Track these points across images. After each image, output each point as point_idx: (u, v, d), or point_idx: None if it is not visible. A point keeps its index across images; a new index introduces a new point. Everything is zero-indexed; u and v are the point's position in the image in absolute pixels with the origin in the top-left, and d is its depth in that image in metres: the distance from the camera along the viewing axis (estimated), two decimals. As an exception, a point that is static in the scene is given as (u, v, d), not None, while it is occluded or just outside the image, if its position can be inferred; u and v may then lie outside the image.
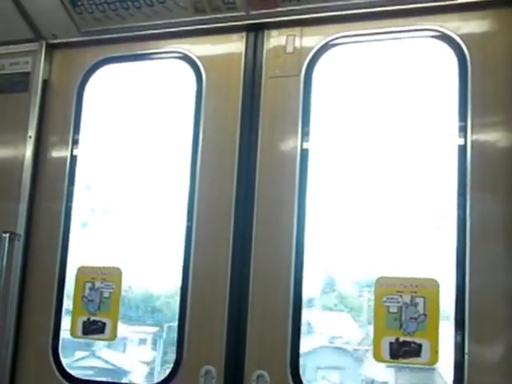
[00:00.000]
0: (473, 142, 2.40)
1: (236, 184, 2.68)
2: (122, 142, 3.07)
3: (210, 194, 2.72)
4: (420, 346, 2.33)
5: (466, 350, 2.28)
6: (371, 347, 2.41)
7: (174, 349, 2.68)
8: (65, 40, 3.05)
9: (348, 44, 2.70)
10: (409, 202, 2.53)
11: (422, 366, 2.38)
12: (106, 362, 3.46)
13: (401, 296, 2.38)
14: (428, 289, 2.35)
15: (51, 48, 3.10)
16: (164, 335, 3.39)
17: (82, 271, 2.89)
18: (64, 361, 2.85)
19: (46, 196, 2.99)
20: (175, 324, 2.72)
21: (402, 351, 2.35)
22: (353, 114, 2.69)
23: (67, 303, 2.89)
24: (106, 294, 2.81)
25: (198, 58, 2.85)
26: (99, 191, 3.08)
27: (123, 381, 3.43)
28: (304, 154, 2.63)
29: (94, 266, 2.90)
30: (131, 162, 3.03)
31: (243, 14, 2.72)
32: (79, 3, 2.84)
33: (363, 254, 2.59)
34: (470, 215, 2.35)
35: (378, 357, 2.39)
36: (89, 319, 2.82)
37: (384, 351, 2.37)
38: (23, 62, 3.08)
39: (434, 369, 2.43)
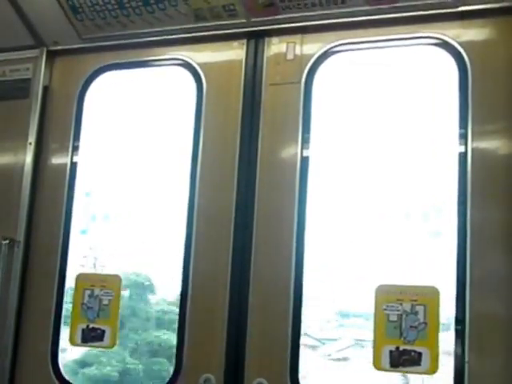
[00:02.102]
0: (473, 150, 2.40)
1: (236, 191, 2.67)
2: (122, 148, 3.06)
3: (210, 201, 2.71)
4: (420, 354, 2.32)
5: (466, 359, 2.27)
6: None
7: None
8: (66, 47, 3.06)
9: (348, 51, 2.70)
10: (409, 209, 2.52)
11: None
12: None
13: (401, 304, 2.37)
14: (428, 297, 2.34)
15: (52, 55, 3.10)
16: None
17: (81, 278, 2.88)
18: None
19: (45, 202, 2.99)
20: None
21: (402, 359, 2.34)
22: (353, 122, 2.69)
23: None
24: (105, 302, 2.80)
25: (199, 64, 2.85)
26: (99, 198, 3.07)
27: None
28: (304, 161, 2.63)
29: (94, 273, 2.89)
30: (131, 168, 3.02)
31: (244, 21, 2.72)
32: (80, 10, 2.85)
33: (363, 262, 2.58)
34: (471, 222, 2.35)
35: (377, 365, 2.38)
36: (88, 326, 2.81)
37: (384, 359, 2.36)
38: (24, 68, 3.08)
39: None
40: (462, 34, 2.51)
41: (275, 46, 2.76)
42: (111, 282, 2.81)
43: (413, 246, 2.49)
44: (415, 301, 2.35)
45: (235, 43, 2.81)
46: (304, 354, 2.56)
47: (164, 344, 3.76)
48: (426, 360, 2.30)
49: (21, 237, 2.92)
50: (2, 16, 2.93)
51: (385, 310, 2.38)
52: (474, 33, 2.51)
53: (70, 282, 2.89)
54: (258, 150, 2.68)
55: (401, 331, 2.35)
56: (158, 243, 2.97)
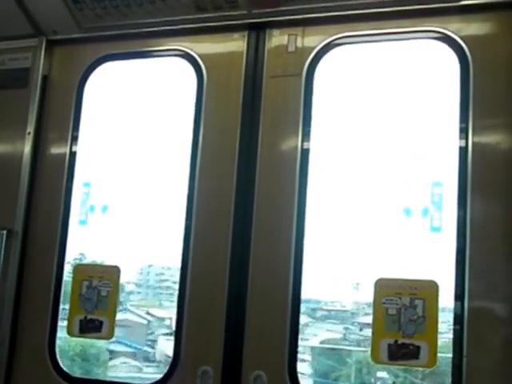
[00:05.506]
0: (474, 144, 2.40)
1: (236, 183, 2.67)
2: (121, 139, 3.05)
3: (209, 192, 2.71)
4: (418, 348, 2.32)
5: (465, 353, 2.27)
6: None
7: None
8: (65, 36, 3.04)
9: (350, 44, 2.69)
10: (409, 203, 2.51)
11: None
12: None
13: (400, 298, 2.37)
14: (427, 291, 2.35)
15: (51, 44, 3.09)
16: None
17: (79, 269, 2.88)
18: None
19: (44, 193, 2.98)
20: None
21: (400, 353, 2.34)
22: (354, 115, 2.68)
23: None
24: (103, 293, 2.79)
25: (200, 56, 2.84)
26: (98, 188, 3.05)
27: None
28: (304, 154, 2.63)
29: (92, 264, 2.89)
30: (131, 159, 3.01)
31: (245, 12, 2.71)
32: (80, -1, 2.84)
33: (363, 255, 2.58)
34: (471, 217, 2.35)
35: (376, 359, 2.38)
36: (86, 317, 2.81)
37: (382, 353, 2.36)
38: (23, 57, 3.06)
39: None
40: (463, 28, 2.50)
41: (276, 38, 2.75)
42: (110, 273, 2.81)
43: (413, 239, 2.48)
44: (414, 295, 2.36)
45: (236, 35, 2.80)
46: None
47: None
48: (424, 354, 2.31)
49: (19, 227, 2.91)
50: (1, 4, 2.91)
51: (384, 303, 2.39)
52: (475, 27, 2.51)
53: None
54: (259, 143, 2.68)
55: (399, 325, 2.36)
56: (157, 234, 2.95)
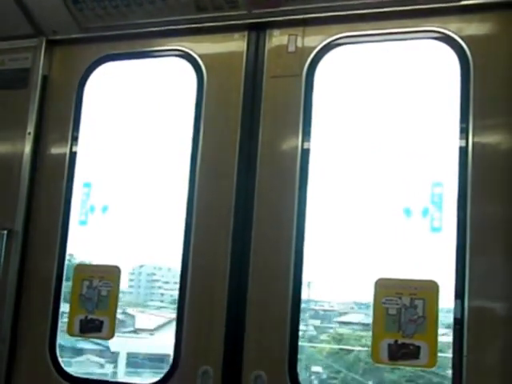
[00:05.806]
0: (474, 144, 2.40)
1: (236, 183, 2.67)
2: (122, 139, 3.05)
3: (209, 192, 2.71)
4: (418, 348, 2.32)
5: (465, 353, 2.27)
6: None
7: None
8: (65, 36, 3.04)
9: (350, 44, 2.69)
10: (409, 203, 2.52)
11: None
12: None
13: (400, 298, 2.37)
14: (427, 291, 2.35)
15: (51, 44, 3.09)
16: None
17: (79, 269, 2.88)
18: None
19: (44, 193, 2.98)
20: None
21: (400, 353, 2.34)
22: (355, 115, 2.68)
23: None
24: (103, 293, 2.79)
25: (200, 56, 2.84)
26: (98, 188, 3.06)
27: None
28: (305, 154, 2.63)
29: (92, 264, 2.89)
30: (131, 159, 3.01)
31: (245, 12, 2.71)
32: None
33: (363, 255, 2.58)
34: (471, 217, 2.35)
35: (376, 358, 2.38)
36: (86, 317, 2.81)
37: (382, 353, 2.36)
38: (23, 57, 3.06)
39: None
40: (463, 27, 2.51)
41: (276, 38, 2.75)
42: (110, 273, 2.81)
43: (413, 239, 2.48)
44: (414, 295, 2.36)
45: (236, 35, 2.80)
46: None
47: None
48: (424, 354, 2.31)
49: (19, 227, 2.91)
50: (1, 4, 2.91)
51: (384, 303, 2.39)
52: (475, 27, 2.51)
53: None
54: (259, 143, 2.68)
55: (399, 325, 2.36)
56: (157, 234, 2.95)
